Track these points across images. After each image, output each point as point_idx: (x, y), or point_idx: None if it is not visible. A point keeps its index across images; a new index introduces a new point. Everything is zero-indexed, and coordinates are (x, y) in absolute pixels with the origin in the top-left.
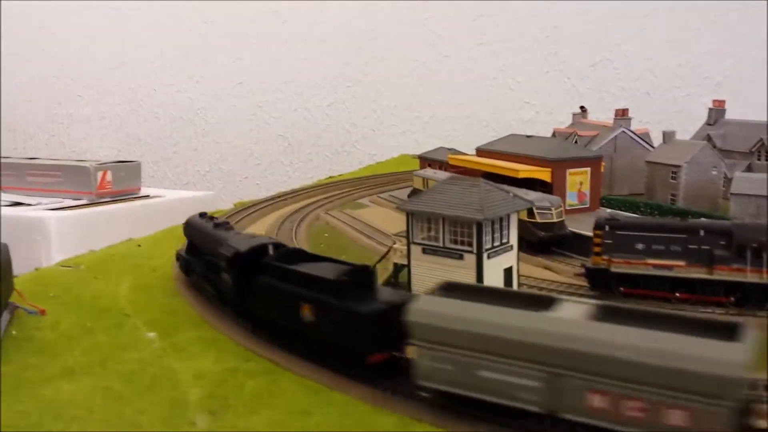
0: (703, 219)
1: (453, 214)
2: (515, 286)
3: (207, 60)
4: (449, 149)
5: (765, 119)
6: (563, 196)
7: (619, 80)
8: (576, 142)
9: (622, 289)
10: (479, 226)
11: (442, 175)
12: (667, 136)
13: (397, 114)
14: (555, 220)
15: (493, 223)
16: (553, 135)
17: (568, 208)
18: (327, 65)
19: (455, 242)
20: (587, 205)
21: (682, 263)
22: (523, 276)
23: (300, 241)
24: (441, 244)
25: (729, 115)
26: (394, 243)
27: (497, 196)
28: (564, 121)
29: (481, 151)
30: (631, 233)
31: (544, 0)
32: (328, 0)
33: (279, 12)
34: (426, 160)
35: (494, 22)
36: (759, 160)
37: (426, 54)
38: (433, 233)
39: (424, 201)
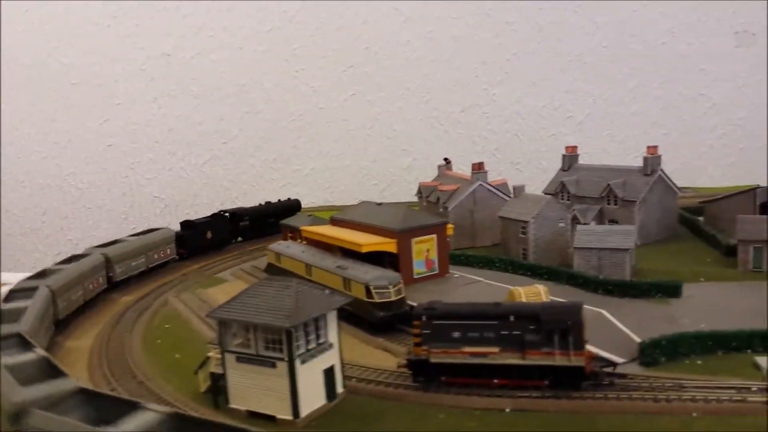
0: (515, 303)
1: (261, 321)
2: (339, 385)
3: (74, 123)
4: (310, 215)
5: (622, 158)
6: (410, 266)
7: (489, 124)
8: (438, 198)
9: (443, 378)
10: (288, 333)
11: (295, 248)
12: (517, 191)
13: (276, 168)
14: (394, 298)
15: (306, 325)
16: (419, 190)
17: (416, 276)
18: (201, 122)
19: (268, 349)
20: (436, 272)
21: (496, 350)
22: (354, 366)
23: (136, 336)
24: (254, 352)
25: (593, 151)
26: (210, 351)
27: (311, 297)
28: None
29: (334, 221)
30: (447, 322)
31: (411, 49)
32: (198, 55)
33: (147, 70)
34: (287, 228)
35: (364, 72)
36: (609, 204)
37: (301, 106)
38: (245, 340)
39: (235, 306)
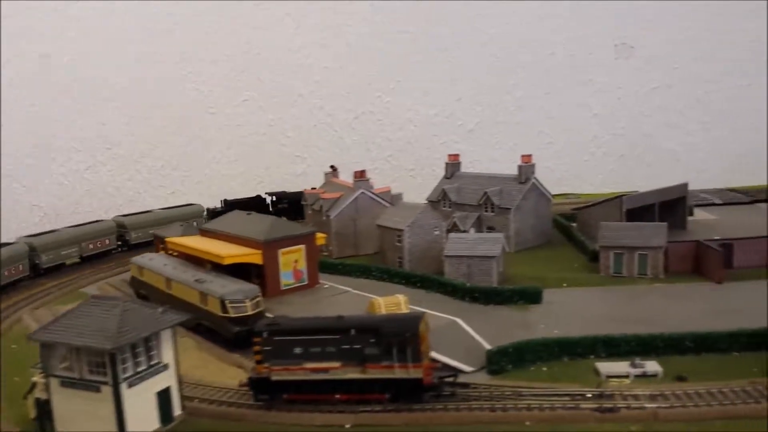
0: (356, 317)
1: (82, 343)
2: (176, 408)
3: None
4: (182, 224)
5: (510, 167)
6: (277, 277)
7: (383, 131)
8: (321, 206)
9: (285, 396)
10: (112, 355)
11: (158, 261)
12: (395, 199)
13: (164, 174)
14: (251, 312)
15: (134, 346)
16: (303, 198)
17: (284, 288)
18: (82, 127)
19: (93, 372)
20: (305, 283)
21: (337, 365)
22: (199, 385)
23: None
24: (78, 376)
25: (485, 158)
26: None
27: (140, 316)
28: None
29: (203, 231)
30: (289, 338)
31: (304, 55)
32: (80, 56)
33: (25, 71)
34: (158, 239)
35: (256, 78)
36: (486, 211)
37: (191, 111)
38: (70, 364)
39: (59, 328)
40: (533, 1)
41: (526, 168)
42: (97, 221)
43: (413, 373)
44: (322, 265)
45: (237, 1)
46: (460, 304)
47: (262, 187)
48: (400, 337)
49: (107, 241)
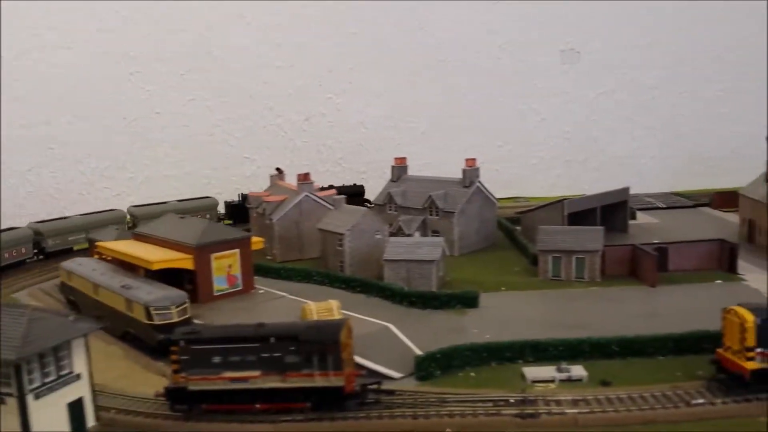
0: (276, 324)
1: None
2: (89, 419)
3: None
4: (117, 228)
5: (459, 168)
6: (210, 283)
7: (334, 132)
8: (264, 210)
9: (204, 406)
10: (17, 366)
11: (87, 266)
12: (337, 203)
13: (109, 176)
14: (176, 319)
15: (42, 356)
16: (245, 199)
17: (217, 293)
18: (23, 126)
19: None
20: (240, 288)
21: (257, 373)
22: (118, 395)
23: None
24: None
25: (436, 160)
26: None
27: (49, 324)
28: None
29: (136, 235)
30: (207, 347)
31: (254, 55)
32: (22, 54)
33: None
34: (93, 243)
35: (205, 77)
36: (431, 215)
37: (136, 111)
38: None
39: None
40: (482, 1)
41: (470, 172)
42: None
43: (334, 381)
44: (264, 269)
45: (185, 0)
46: (398, 309)
47: (210, 188)
48: (320, 344)
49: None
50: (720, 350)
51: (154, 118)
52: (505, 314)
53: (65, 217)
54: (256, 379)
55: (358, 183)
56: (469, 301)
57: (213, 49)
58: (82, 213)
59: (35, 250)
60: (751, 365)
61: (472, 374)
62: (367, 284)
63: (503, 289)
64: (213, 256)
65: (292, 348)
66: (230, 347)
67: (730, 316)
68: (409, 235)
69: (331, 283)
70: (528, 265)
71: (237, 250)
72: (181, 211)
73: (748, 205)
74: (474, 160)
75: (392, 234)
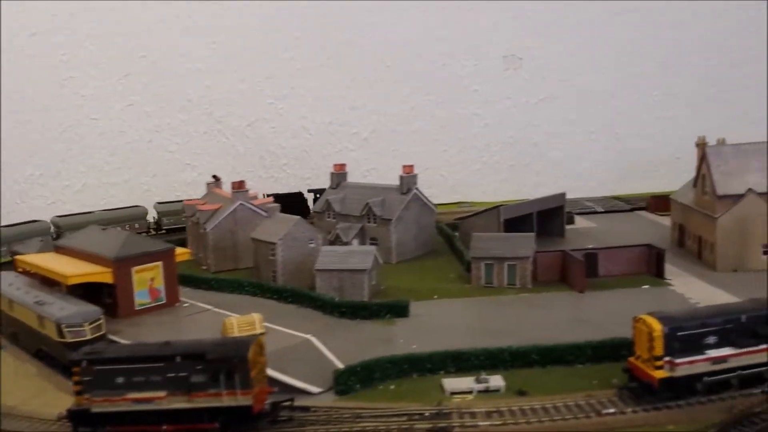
0: (182, 343)
1: None
2: None
3: None
4: (42, 239)
5: (396, 175)
6: (131, 297)
7: (277, 138)
8: (198, 219)
9: (108, 429)
10: None
11: (5, 281)
12: (271, 211)
13: (43, 183)
14: (90, 336)
15: None
16: (183, 209)
17: (139, 308)
18: None
19: None
20: (163, 302)
21: (162, 394)
22: (24, 417)
23: None
24: None
25: (382, 166)
26: None
27: None
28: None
29: (58, 248)
30: (110, 367)
31: (193, 59)
32: None
33: None
34: (15, 256)
35: (142, 82)
36: (369, 222)
37: (71, 117)
38: None
39: None
40: (427, 0)
41: (408, 179)
42: None
43: (242, 400)
44: (195, 280)
45: (121, 1)
46: (328, 320)
47: (149, 195)
48: (227, 363)
49: None
50: (632, 359)
51: (90, 125)
52: (435, 323)
53: None
54: (161, 400)
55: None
56: (399, 311)
57: (150, 53)
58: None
59: None
60: (659, 374)
61: (392, 387)
62: (298, 294)
63: (436, 297)
64: (134, 269)
65: (199, 367)
66: (134, 367)
67: (640, 324)
68: (346, 243)
69: (263, 293)
70: (463, 272)
71: (160, 263)
72: (108, 221)
73: (679, 209)
74: (411, 166)
75: (331, 242)
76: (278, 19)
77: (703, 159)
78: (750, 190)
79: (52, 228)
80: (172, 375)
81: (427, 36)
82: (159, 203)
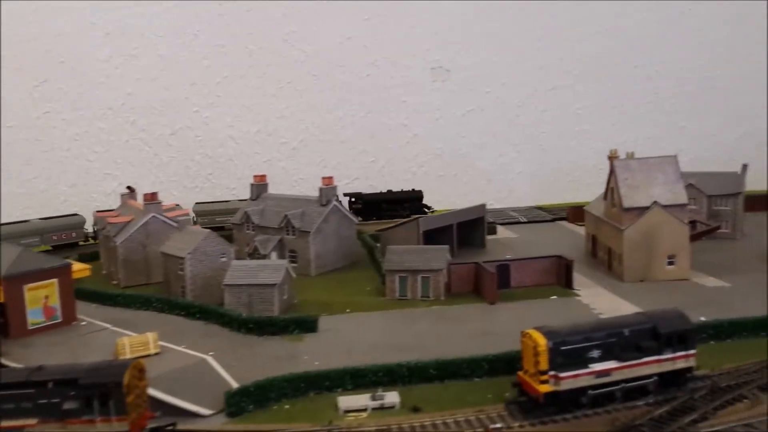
0: (54, 367)
1: None
2: None
3: None
4: None
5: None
6: (23, 316)
7: (202, 147)
8: (109, 232)
9: None
10: None
11: None
12: (182, 224)
13: None
14: None
15: None
16: (95, 221)
17: (32, 327)
18: None
19: None
20: (59, 320)
21: (34, 422)
22: None
23: None
24: None
25: (311, 176)
26: None
27: None
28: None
29: None
30: None
31: (113, 65)
32: None
33: None
34: None
35: (59, 88)
36: (288, 234)
37: None
38: None
39: None
40: (356, 1)
41: (327, 190)
42: None
43: (117, 427)
44: (101, 296)
45: (35, 1)
46: (234, 337)
47: (66, 206)
48: (102, 388)
49: None
50: (520, 373)
51: (5, 132)
52: (343, 338)
53: None
54: (32, 428)
55: (412, 188)
56: (308, 326)
57: (68, 59)
58: None
59: None
60: (544, 388)
61: (287, 407)
62: (205, 311)
63: (348, 311)
64: (26, 286)
65: (72, 393)
66: (3, 394)
67: (526, 339)
68: (264, 256)
69: (171, 309)
70: (380, 285)
71: (55, 280)
72: (43, 230)
73: (592, 220)
74: (331, 178)
75: (249, 254)
76: (200, 25)
77: (612, 172)
78: (655, 202)
79: None
80: (44, 401)
81: (353, 46)
82: (98, 212)
